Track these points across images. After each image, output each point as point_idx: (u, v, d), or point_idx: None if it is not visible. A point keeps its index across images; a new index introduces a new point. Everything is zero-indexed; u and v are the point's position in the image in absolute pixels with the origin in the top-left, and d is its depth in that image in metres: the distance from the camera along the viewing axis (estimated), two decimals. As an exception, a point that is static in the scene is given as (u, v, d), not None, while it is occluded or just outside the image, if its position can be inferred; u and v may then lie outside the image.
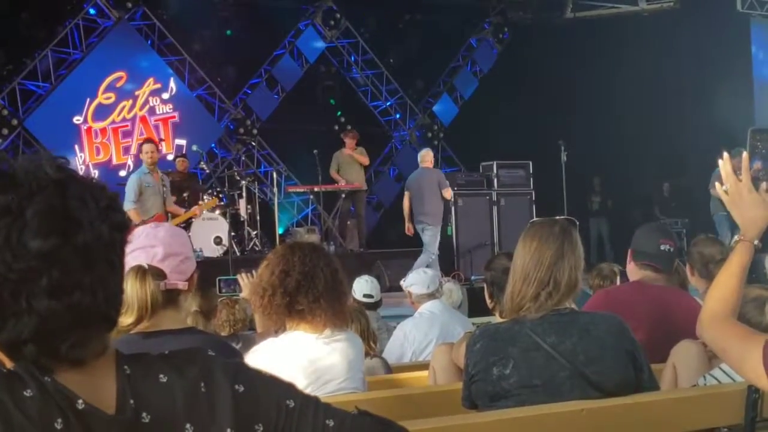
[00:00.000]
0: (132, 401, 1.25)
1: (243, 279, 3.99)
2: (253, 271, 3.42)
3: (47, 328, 1.20)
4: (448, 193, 12.11)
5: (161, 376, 1.30)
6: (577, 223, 3.14)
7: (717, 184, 2.40)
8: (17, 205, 1.19)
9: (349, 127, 15.26)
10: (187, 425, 1.28)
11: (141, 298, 2.51)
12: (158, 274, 2.57)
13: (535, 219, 3.17)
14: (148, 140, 10.65)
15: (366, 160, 13.81)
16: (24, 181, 1.21)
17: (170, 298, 2.61)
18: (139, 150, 10.52)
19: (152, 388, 1.28)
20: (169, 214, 10.21)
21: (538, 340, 2.76)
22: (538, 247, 2.84)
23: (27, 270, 1.19)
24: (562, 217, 3.25)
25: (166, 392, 1.29)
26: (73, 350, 1.23)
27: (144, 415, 1.25)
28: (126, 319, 2.50)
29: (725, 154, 2.34)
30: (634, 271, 4.04)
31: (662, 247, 3.94)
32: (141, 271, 2.53)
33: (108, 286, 1.26)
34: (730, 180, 2.33)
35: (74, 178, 1.26)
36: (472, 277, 12.39)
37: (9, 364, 1.23)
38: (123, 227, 1.29)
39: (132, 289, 2.49)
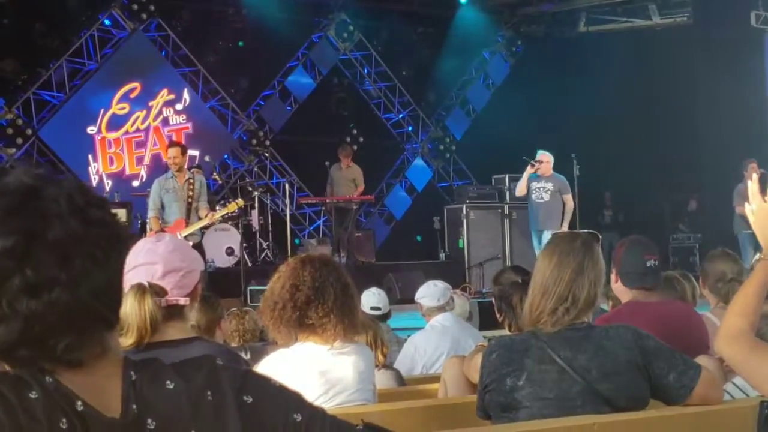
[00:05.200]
0: (134, 406, 1.25)
1: None
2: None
3: (34, 330, 1.20)
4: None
5: (168, 382, 1.30)
6: (600, 237, 3.13)
7: (746, 203, 2.39)
8: None
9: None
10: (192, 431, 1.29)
11: (140, 319, 2.48)
12: (158, 291, 2.56)
13: (557, 232, 3.17)
14: (173, 144, 10.45)
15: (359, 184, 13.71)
16: None
17: (172, 312, 2.60)
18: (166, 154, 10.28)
19: (158, 394, 1.29)
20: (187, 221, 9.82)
21: (552, 354, 2.76)
22: (559, 262, 2.84)
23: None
24: (584, 231, 3.24)
25: (173, 398, 1.29)
26: (69, 352, 1.22)
27: (149, 421, 1.25)
28: (126, 340, 2.46)
29: (754, 175, 2.34)
30: (623, 292, 3.91)
31: (648, 264, 3.83)
32: (140, 290, 2.51)
33: (93, 281, 1.24)
34: (756, 200, 2.34)
35: (50, 182, 1.25)
36: (483, 290, 12.37)
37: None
38: (100, 222, 1.27)
39: (131, 309, 2.47)
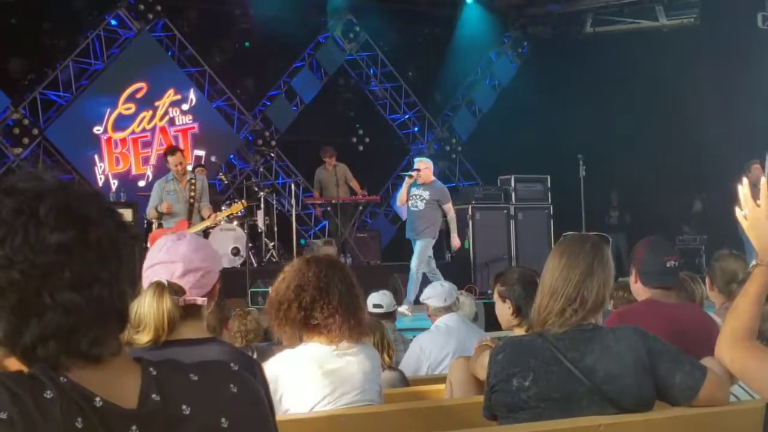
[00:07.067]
0: (154, 395, 1.28)
1: None
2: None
3: (70, 323, 1.23)
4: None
5: (192, 375, 1.35)
6: (610, 240, 3.13)
7: (737, 208, 2.38)
8: (29, 205, 1.23)
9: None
10: (222, 419, 1.33)
11: (158, 317, 2.47)
12: (177, 290, 2.55)
13: (567, 233, 3.16)
14: (172, 151, 10.29)
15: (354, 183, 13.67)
16: (28, 187, 1.26)
17: (190, 311, 2.59)
18: (166, 160, 10.14)
19: (185, 385, 1.33)
20: (190, 222, 9.89)
21: (559, 355, 2.76)
22: (568, 264, 2.84)
23: (49, 264, 1.22)
24: (593, 233, 3.24)
25: (200, 389, 1.34)
26: (93, 347, 1.26)
27: (184, 407, 1.30)
28: (143, 338, 2.47)
29: (744, 180, 2.34)
30: (642, 291, 3.93)
31: (668, 264, 3.85)
32: (159, 289, 2.50)
33: (120, 281, 1.30)
34: (748, 205, 2.33)
35: (71, 184, 1.31)
36: (489, 291, 12.36)
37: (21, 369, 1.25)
38: (125, 227, 1.34)
39: (149, 307, 2.47)
